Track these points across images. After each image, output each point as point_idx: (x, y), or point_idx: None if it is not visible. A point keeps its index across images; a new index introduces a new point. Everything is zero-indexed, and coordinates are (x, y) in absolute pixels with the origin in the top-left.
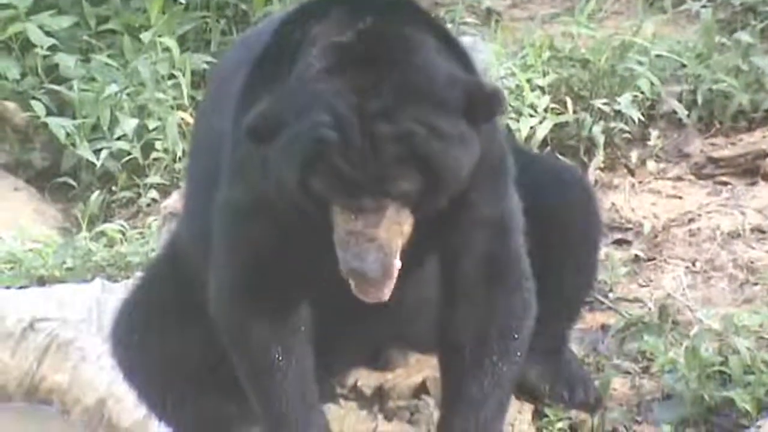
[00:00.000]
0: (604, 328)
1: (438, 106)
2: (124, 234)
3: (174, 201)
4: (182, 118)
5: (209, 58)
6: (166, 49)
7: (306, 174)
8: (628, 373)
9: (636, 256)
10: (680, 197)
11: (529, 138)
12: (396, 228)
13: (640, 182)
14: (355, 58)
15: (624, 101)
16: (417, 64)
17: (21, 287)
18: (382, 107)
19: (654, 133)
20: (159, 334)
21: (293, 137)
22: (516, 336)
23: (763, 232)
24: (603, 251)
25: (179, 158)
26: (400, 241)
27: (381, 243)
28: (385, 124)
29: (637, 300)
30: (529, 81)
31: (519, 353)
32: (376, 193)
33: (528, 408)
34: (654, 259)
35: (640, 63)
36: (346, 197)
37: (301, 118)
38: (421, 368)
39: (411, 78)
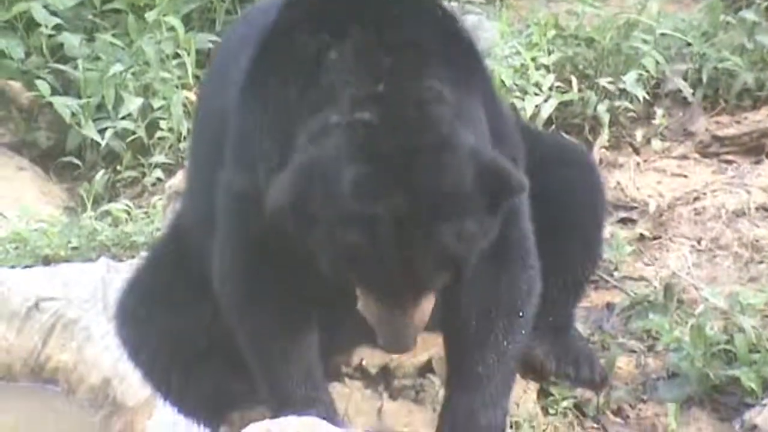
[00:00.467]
0: (609, 306)
1: (466, 209)
2: (129, 213)
3: (179, 180)
4: (187, 98)
5: (214, 38)
6: (171, 29)
7: (340, 271)
8: (633, 351)
9: (641, 234)
10: (685, 176)
11: (534, 116)
12: (426, 307)
13: (645, 161)
14: (383, 154)
15: (629, 80)
16: (445, 162)
17: (26, 267)
18: (418, 224)
19: (659, 111)
20: (164, 313)
21: (328, 246)
22: (521, 314)
23: (767, 210)
24: (608, 230)
25: (184, 137)
26: (428, 311)
27: (414, 325)
28: (421, 241)
29: (642, 279)
30: (534, 60)
31: (523, 331)
32: (411, 293)
33: (533, 387)
34: (659, 237)
35: (645, 42)
36: (381, 296)
37: (335, 232)
38: (426, 347)
39: (442, 185)
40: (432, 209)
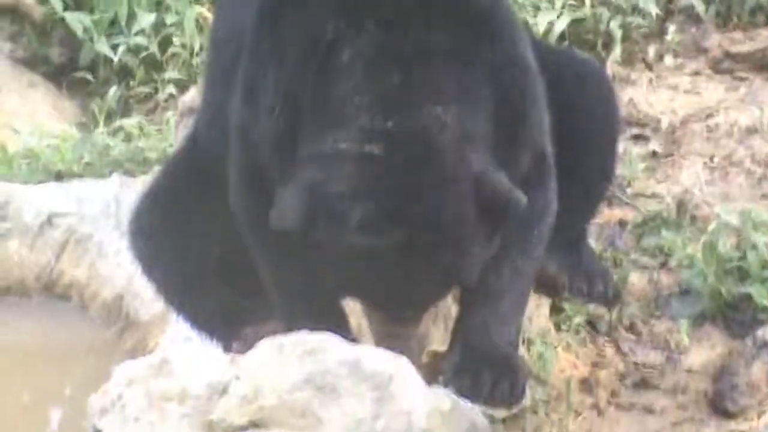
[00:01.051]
0: (622, 223)
1: (467, 236)
2: (141, 129)
3: (192, 96)
4: (200, 13)
5: None
6: None
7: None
8: (646, 268)
9: (654, 151)
10: (698, 92)
11: (546, 33)
12: (429, 314)
13: (658, 77)
14: (388, 190)
15: None
16: (448, 197)
17: (39, 183)
18: (421, 255)
19: (671, 27)
20: (177, 229)
21: (332, 268)
22: (536, 232)
23: None
24: (621, 146)
25: (197, 53)
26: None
27: (418, 336)
28: (423, 269)
29: (654, 195)
30: None
31: (538, 249)
32: (413, 312)
33: (546, 302)
34: (672, 154)
35: None
36: (384, 316)
37: (340, 260)
38: None
39: (445, 219)
40: (435, 241)
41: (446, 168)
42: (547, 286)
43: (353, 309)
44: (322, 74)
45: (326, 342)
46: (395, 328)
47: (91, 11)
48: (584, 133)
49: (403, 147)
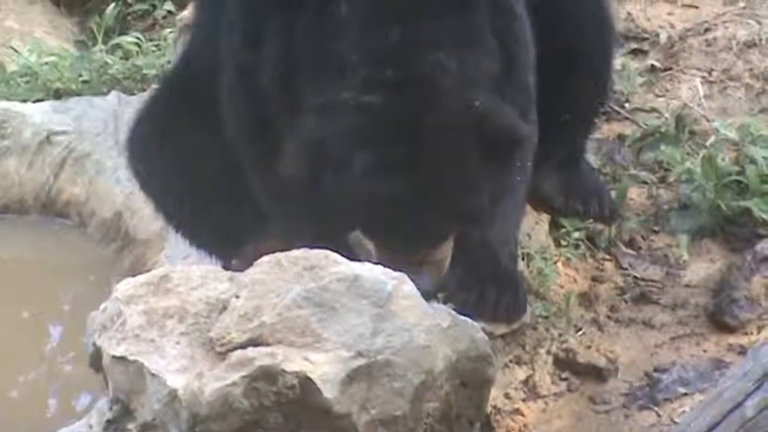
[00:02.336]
0: (621, 138)
1: (472, 174)
2: (140, 46)
3: (189, 13)
4: None
5: None
6: None
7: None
8: (645, 183)
9: (652, 66)
10: (696, 6)
11: None
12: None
13: None
14: (390, 136)
15: None
16: (450, 138)
17: (37, 101)
18: (428, 197)
19: None
20: (175, 145)
21: (342, 213)
22: (517, 159)
23: None
24: (619, 61)
25: None
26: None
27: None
28: (433, 212)
29: (653, 110)
30: None
31: (522, 173)
32: (426, 248)
33: (545, 218)
34: (670, 69)
35: None
36: (396, 253)
37: (348, 207)
38: None
39: (448, 160)
40: (439, 181)
41: (447, 111)
42: (544, 205)
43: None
44: (320, 26)
45: (325, 259)
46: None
47: None
48: (578, 50)
49: (402, 94)
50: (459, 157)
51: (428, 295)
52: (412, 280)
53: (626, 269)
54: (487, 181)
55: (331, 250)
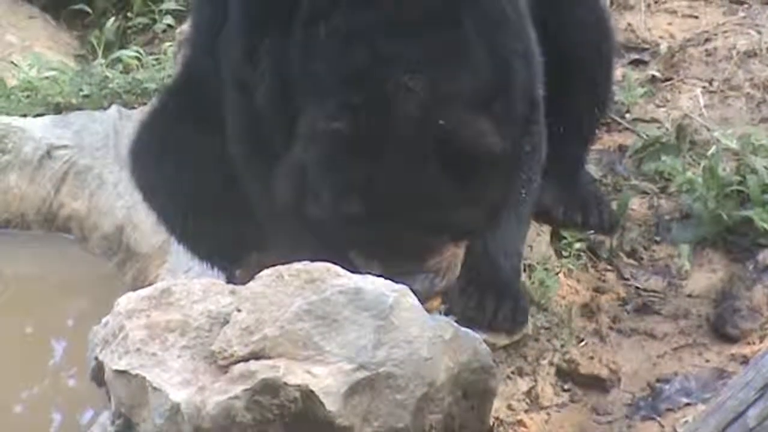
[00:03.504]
0: (622, 148)
1: (445, 189)
2: (140, 60)
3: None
4: None
5: None
6: None
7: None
8: (646, 193)
9: (653, 76)
10: (696, 17)
11: None
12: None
13: (656, 2)
14: (356, 159)
15: None
16: (415, 158)
17: (37, 115)
18: (400, 215)
19: None
20: (177, 157)
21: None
22: (527, 170)
23: None
24: (619, 72)
25: None
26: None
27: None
28: (410, 230)
29: (654, 120)
30: None
31: (530, 186)
32: (413, 263)
33: (546, 230)
34: (671, 79)
35: None
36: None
37: (329, 230)
38: None
39: (414, 181)
40: (408, 199)
41: (406, 131)
42: (544, 217)
43: None
44: (306, 47)
45: (327, 272)
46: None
47: None
48: (578, 61)
49: (365, 118)
50: (423, 175)
51: (420, 296)
52: (405, 283)
53: (628, 280)
54: (468, 195)
55: (332, 262)
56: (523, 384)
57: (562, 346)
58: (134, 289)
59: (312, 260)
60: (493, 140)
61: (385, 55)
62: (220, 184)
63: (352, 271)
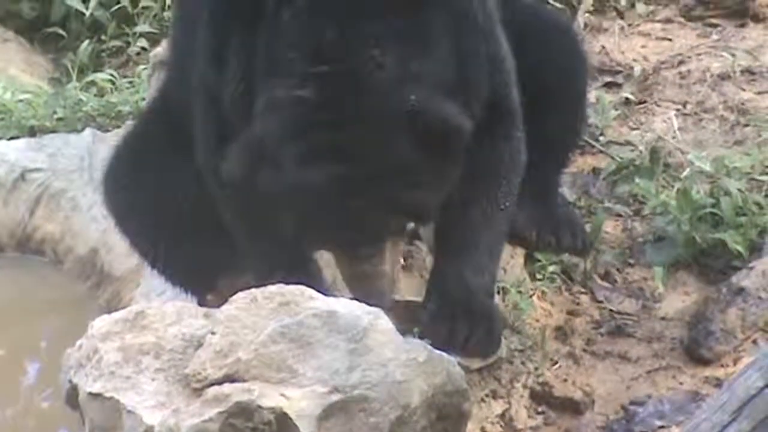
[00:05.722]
0: (596, 171)
1: (408, 164)
2: (114, 83)
3: (164, 49)
4: None
5: None
6: None
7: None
8: (620, 215)
9: (626, 99)
10: (670, 39)
11: None
12: (396, 249)
13: (630, 25)
14: (320, 129)
15: None
16: (380, 129)
17: (11, 138)
18: (362, 188)
19: None
20: (150, 181)
21: (283, 213)
22: (505, 182)
23: (752, 73)
24: (593, 94)
25: (168, 6)
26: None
27: (386, 277)
28: (370, 202)
29: (628, 143)
30: None
31: (509, 199)
32: (373, 244)
33: (520, 252)
34: (644, 101)
35: None
36: (341, 251)
37: (286, 204)
38: None
39: (379, 152)
40: (374, 173)
41: (376, 104)
42: (518, 239)
43: (327, 261)
44: (269, 36)
45: (300, 294)
46: (360, 267)
47: None
48: (551, 89)
49: (332, 87)
50: (391, 148)
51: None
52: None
53: (602, 302)
54: (430, 176)
55: (302, 280)
56: (497, 407)
57: (536, 368)
58: (108, 312)
59: (286, 282)
60: (463, 120)
61: (351, 31)
62: (191, 209)
63: (326, 294)
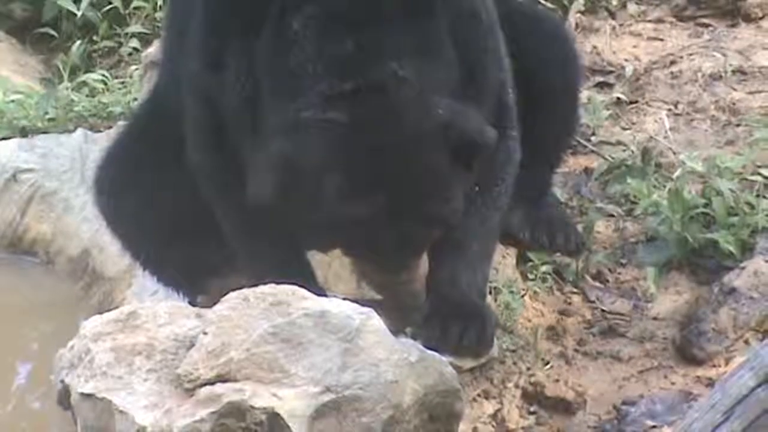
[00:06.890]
0: (587, 171)
1: (445, 181)
2: (105, 84)
3: (155, 50)
4: None
5: None
6: None
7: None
8: (612, 216)
9: (618, 99)
10: (661, 39)
11: None
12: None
13: (621, 25)
14: (358, 155)
15: None
16: (417, 152)
17: (3, 139)
18: (403, 213)
19: None
20: (142, 183)
21: (319, 236)
22: (500, 182)
23: (744, 73)
24: (585, 94)
25: (160, 7)
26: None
27: (419, 280)
28: (410, 224)
29: (619, 143)
30: None
31: (503, 198)
32: (408, 259)
33: (512, 252)
34: (636, 102)
35: None
36: (378, 269)
37: (324, 231)
38: None
39: (419, 173)
40: (415, 192)
41: (411, 121)
42: (510, 239)
43: (320, 260)
44: (276, 43)
45: (292, 294)
46: (396, 275)
47: None
48: (544, 89)
49: (363, 108)
50: (430, 167)
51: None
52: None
53: (594, 302)
54: (459, 186)
55: (295, 280)
56: (489, 407)
57: (528, 368)
58: (100, 313)
59: (278, 282)
60: (492, 132)
61: (366, 42)
62: (183, 209)
63: (318, 294)
